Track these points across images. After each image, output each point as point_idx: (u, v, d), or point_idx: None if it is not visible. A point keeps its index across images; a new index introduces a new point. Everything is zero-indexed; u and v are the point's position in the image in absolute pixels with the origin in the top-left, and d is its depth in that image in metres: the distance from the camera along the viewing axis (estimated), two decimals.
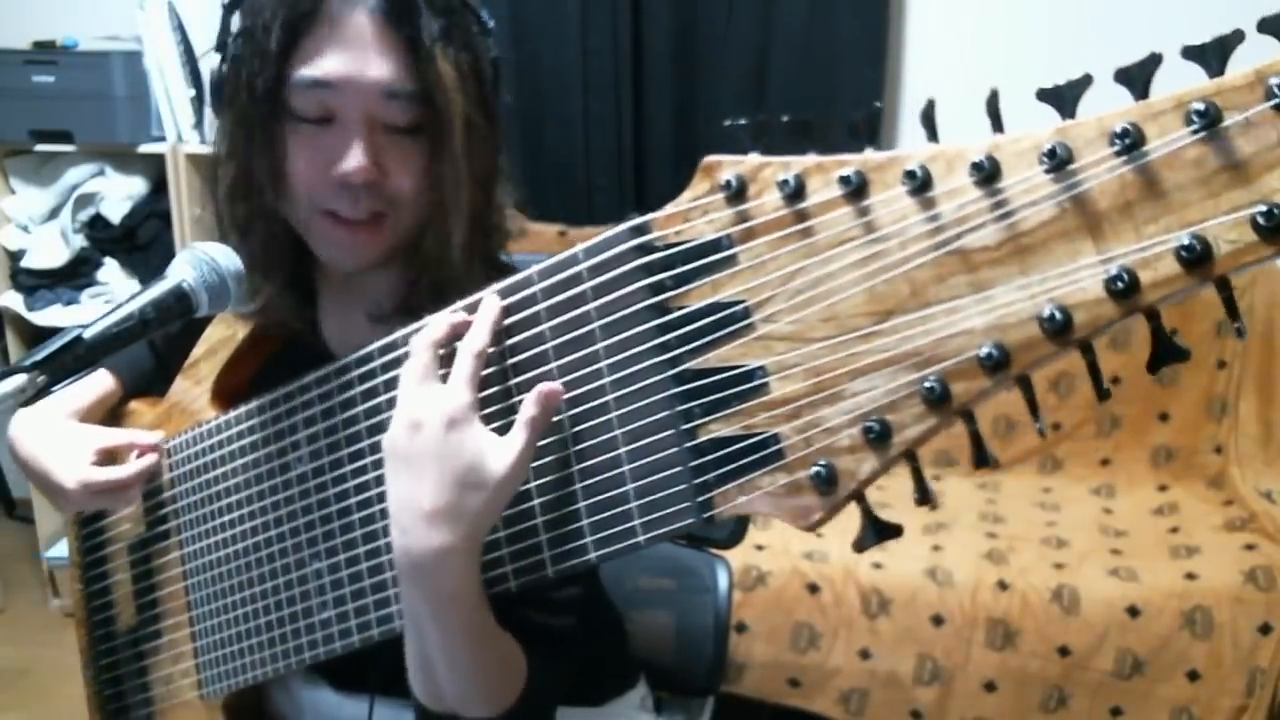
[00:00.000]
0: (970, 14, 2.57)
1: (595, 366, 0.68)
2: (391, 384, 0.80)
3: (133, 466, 1.01)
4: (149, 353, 1.17)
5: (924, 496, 0.57)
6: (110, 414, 1.15)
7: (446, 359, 0.73)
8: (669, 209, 0.64)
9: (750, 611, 2.09)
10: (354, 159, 0.85)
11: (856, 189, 0.55)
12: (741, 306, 0.60)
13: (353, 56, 0.85)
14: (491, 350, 0.73)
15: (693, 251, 0.62)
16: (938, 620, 2.03)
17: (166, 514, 1.05)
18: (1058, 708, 2.01)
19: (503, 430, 0.71)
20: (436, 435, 0.70)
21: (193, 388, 1.06)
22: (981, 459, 0.55)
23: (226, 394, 1.03)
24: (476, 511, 0.71)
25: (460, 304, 0.76)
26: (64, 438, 1.04)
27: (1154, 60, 0.46)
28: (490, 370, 0.74)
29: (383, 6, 0.85)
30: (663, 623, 1.42)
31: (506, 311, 0.73)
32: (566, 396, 0.71)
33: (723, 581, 1.42)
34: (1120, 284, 0.47)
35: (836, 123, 0.57)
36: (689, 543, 1.44)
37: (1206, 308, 2.36)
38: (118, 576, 1.14)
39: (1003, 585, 2.03)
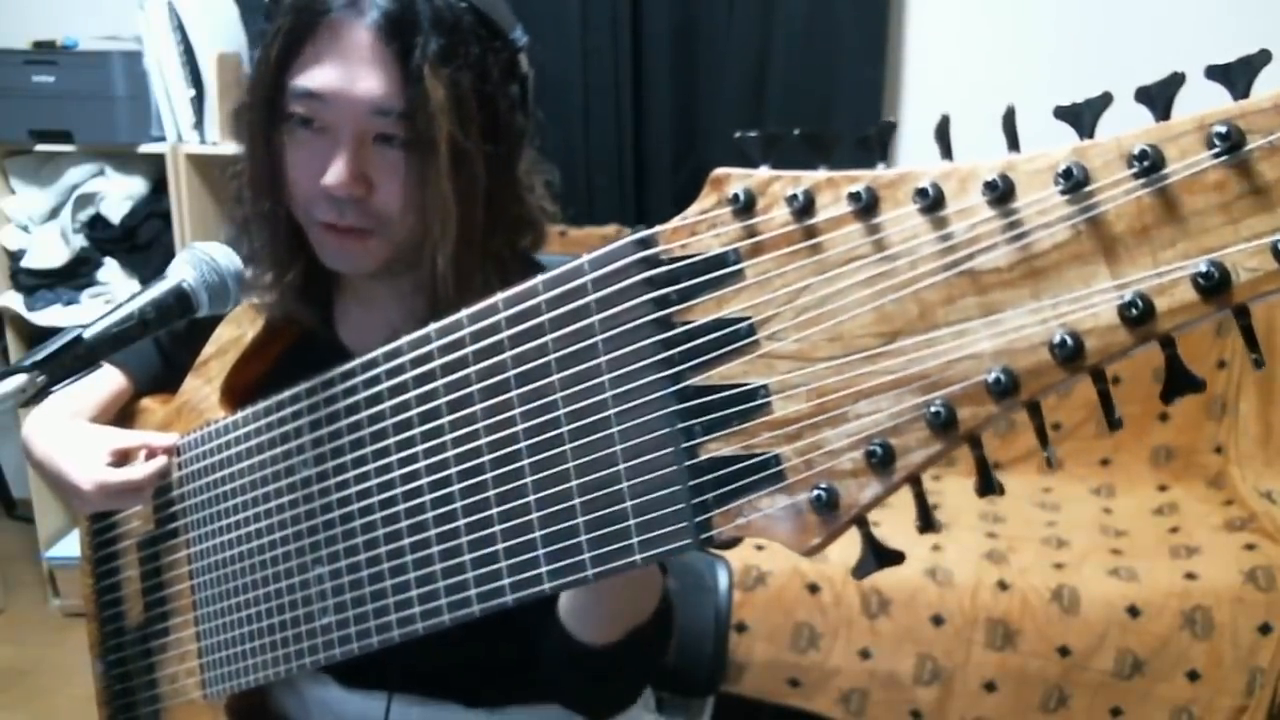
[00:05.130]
0: (971, 14, 2.56)
1: (598, 380, 0.67)
2: (397, 389, 0.79)
3: (147, 468, 1.02)
4: (156, 351, 1.17)
5: (927, 524, 0.56)
6: (121, 412, 1.15)
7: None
8: (676, 222, 0.62)
9: (750, 611, 2.09)
10: (336, 172, 0.87)
11: (866, 206, 0.53)
12: (746, 323, 0.59)
13: (345, 70, 0.86)
14: (496, 360, 0.72)
15: (699, 266, 0.61)
16: (937, 620, 2.03)
17: (175, 512, 1.05)
18: (1058, 708, 2.00)
19: (509, 441, 0.71)
20: None
21: (203, 386, 1.06)
22: (987, 486, 0.53)
23: (236, 393, 1.04)
24: None
25: (464, 313, 0.74)
26: (78, 439, 1.05)
27: (1176, 80, 0.44)
28: (494, 380, 0.73)
29: (380, 22, 0.85)
30: None
31: (511, 321, 0.71)
32: (567, 410, 0.69)
33: (723, 581, 1.42)
34: (1135, 310, 0.46)
35: (849, 137, 0.55)
36: None
37: None
38: (128, 573, 1.14)
39: (1003, 585, 2.03)
